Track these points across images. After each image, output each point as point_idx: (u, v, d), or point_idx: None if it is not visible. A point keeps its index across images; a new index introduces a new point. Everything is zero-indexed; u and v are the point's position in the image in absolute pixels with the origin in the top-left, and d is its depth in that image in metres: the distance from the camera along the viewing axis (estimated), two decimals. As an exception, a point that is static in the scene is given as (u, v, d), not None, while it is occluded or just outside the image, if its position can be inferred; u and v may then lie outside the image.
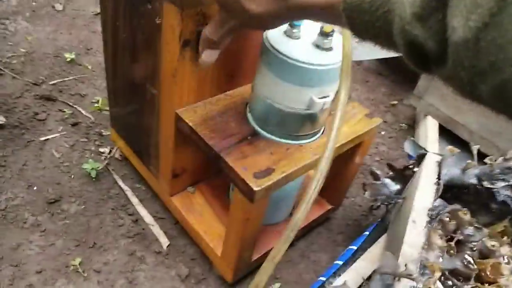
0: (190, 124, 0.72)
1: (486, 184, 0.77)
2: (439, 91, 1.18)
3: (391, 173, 0.95)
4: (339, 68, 0.66)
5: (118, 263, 0.86)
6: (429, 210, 0.70)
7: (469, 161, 0.77)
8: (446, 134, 1.21)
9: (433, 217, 0.70)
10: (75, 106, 1.19)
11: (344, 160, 0.89)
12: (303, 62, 0.62)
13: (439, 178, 0.77)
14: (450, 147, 0.83)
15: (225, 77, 0.77)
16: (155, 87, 0.76)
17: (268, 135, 0.72)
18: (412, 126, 1.38)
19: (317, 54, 0.64)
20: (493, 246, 0.78)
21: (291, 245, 0.97)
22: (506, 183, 0.76)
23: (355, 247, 0.84)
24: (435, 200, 0.73)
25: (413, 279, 0.54)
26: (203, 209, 0.90)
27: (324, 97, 0.67)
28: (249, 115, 0.75)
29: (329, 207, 0.96)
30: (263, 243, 0.87)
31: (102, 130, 1.13)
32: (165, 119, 0.77)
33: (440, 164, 0.79)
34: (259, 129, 0.73)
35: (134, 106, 0.87)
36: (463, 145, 1.16)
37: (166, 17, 0.64)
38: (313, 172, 0.47)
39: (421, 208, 0.71)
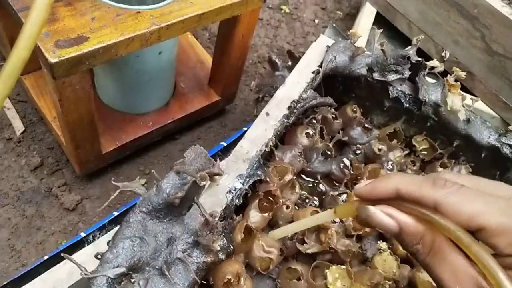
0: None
1: (376, 76, 0.62)
2: (379, -29, 0.98)
3: (289, 63, 0.80)
4: None
5: (-43, 149, 0.75)
6: (292, 101, 0.57)
7: (361, 46, 0.62)
8: (388, 27, 1.04)
9: (294, 110, 0.57)
10: None
11: (223, 41, 0.73)
12: None
13: (320, 66, 0.62)
14: (352, 30, 0.67)
15: None
16: None
17: (96, -5, 0.56)
18: (355, 15, 1.20)
19: None
20: (379, 150, 0.67)
21: (171, 138, 0.86)
22: (400, 76, 0.62)
23: (225, 144, 0.72)
24: (305, 90, 0.59)
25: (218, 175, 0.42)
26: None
27: None
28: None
29: (217, 98, 0.83)
30: (126, 133, 0.75)
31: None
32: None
33: (327, 50, 0.63)
34: (86, -12, 0.57)
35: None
36: (405, 42, 1.00)
37: None
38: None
39: (284, 98, 0.57)
